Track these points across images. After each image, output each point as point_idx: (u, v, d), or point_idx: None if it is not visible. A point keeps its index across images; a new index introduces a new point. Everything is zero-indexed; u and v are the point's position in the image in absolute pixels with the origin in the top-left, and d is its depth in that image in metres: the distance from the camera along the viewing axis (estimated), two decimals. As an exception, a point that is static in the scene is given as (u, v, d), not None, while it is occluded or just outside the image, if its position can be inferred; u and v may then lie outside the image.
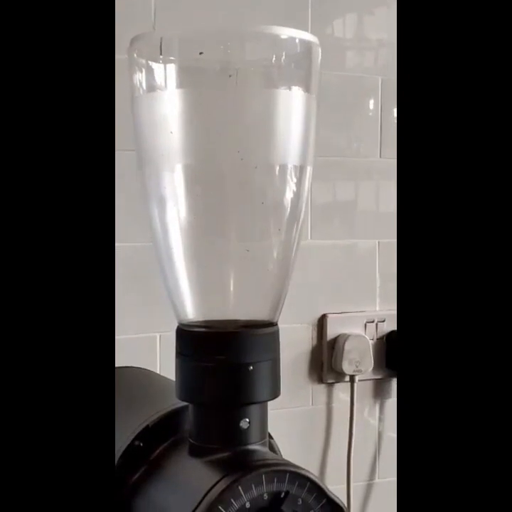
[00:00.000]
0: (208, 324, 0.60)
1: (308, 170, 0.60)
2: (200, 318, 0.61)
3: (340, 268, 1.22)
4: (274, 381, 0.60)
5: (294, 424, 1.20)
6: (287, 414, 1.18)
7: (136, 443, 0.65)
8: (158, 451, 0.64)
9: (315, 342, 1.21)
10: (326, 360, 1.20)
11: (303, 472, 0.57)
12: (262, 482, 0.56)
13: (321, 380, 1.21)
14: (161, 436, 0.65)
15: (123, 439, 0.65)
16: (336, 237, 1.22)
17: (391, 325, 1.23)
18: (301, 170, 0.60)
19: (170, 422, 0.65)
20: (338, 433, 1.23)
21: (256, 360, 0.58)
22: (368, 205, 1.25)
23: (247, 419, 0.59)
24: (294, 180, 0.60)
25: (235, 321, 0.60)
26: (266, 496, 0.56)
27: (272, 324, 0.61)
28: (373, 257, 1.24)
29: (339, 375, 1.21)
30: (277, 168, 0.59)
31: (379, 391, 1.25)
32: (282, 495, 0.56)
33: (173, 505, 0.58)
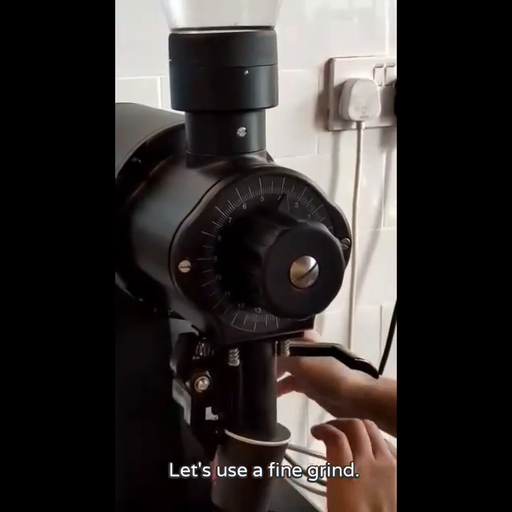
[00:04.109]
0: (202, 29, 0.57)
1: None
2: (194, 25, 0.58)
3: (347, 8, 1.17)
4: (271, 88, 0.58)
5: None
6: (292, 163, 1.16)
7: (134, 160, 0.64)
8: (156, 167, 0.64)
9: (321, 88, 1.17)
10: (332, 107, 1.18)
11: (301, 176, 0.57)
12: (258, 185, 0.55)
13: (327, 127, 1.19)
14: (159, 154, 0.64)
15: (120, 157, 0.64)
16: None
17: (400, 70, 1.19)
18: None
19: (168, 139, 0.64)
20: (344, 182, 1.23)
21: (252, 64, 0.56)
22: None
23: (244, 128, 0.58)
24: None
25: (230, 27, 0.57)
26: (263, 199, 0.55)
27: (268, 28, 0.58)
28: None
29: (346, 123, 1.19)
30: None
31: (386, 139, 1.24)
32: (279, 197, 0.56)
33: (172, 212, 0.58)
